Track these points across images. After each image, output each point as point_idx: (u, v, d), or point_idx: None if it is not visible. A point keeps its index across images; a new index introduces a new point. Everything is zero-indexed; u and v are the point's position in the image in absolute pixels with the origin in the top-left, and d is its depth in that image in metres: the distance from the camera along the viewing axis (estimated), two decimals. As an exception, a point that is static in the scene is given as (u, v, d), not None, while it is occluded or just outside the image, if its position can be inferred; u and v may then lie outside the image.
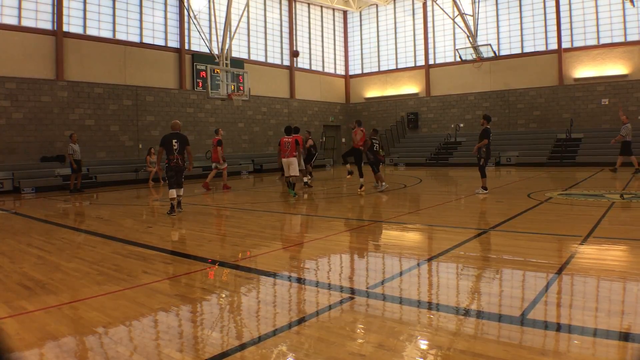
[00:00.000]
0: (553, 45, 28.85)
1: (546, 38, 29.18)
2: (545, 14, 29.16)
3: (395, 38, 34.77)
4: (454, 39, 32.04)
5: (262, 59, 30.50)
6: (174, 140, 10.88)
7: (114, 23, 22.98)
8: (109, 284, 5.39)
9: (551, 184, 16.57)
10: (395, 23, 34.73)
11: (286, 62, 32.19)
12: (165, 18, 25.19)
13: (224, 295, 5.05)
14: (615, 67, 27.05)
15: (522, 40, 30.05)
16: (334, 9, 35.74)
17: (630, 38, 26.62)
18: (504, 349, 3.42)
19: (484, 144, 13.18)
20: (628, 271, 5.63)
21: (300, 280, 5.60)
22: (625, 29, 26.76)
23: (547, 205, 11.09)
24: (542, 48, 29.35)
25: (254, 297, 5.03)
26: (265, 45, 30.86)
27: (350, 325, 4.04)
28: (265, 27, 30.92)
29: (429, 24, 33.25)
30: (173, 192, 11.05)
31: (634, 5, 25.03)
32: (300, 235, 8.62)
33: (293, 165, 14.28)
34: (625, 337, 3.67)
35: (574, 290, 4.98)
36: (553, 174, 20.07)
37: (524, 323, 3.93)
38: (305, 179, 16.94)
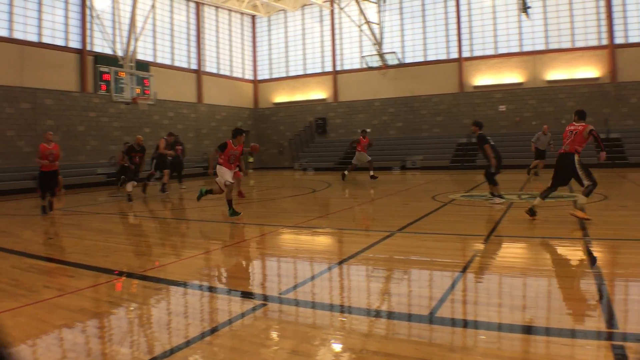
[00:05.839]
0: (454, 54, 30.15)
1: (448, 47, 30.44)
2: (447, 24, 30.43)
3: (304, 44, 35.03)
4: (361, 46, 32.68)
5: (168, 62, 29.74)
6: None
7: (10, 21, 21.58)
8: (7, 300, 4.98)
9: (454, 186, 17.21)
10: (303, 29, 34.98)
11: (194, 66, 31.59)
12: (67, 17, 23.95)
13: (132, 308, 4.81)
14: (511, 76, 28.72)
15: (425, 49, 31.17)
16: (242, 14, 35.48)
17: (525, 48, 28.42)
18: (414, 347, 3.47)
19: (489, 152, 11.51)
20: (528, 267, 5.92)
21: (211, 289, 5.45)
22: (520, 39, 28.53)
23: (451, 207, 11.48)
24: (444, 56, 30.58)
25: (164, 308, 4.83)
26: (172, 48, 30.13)
27: (263, 332, 3.97)
28: (172, 30, 30.17)
29: (337, 31, 33.77)
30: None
31: (528, 17, 26.61)
32: (210, 242, 8.43)
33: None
34: (527, 330, 3.84)
35: (478, 287, 5.16)
36: (455, 177, 20.87)
37: (433, 321, 4.02)
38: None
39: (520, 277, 5.43)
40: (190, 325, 4.23)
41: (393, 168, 27.88)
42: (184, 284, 5.51)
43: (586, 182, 8.37)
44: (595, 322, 3.95)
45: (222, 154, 10.85)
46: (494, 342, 3.61)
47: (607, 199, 11.65)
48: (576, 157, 8.43)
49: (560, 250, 6.93)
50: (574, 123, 8.73)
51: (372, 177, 18.79)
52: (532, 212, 8.83)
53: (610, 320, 3.92)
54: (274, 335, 3.94)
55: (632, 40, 26.48)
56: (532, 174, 18.56)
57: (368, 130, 23.21)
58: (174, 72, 29.90)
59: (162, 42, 29.47)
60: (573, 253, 6.68)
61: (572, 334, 3.72)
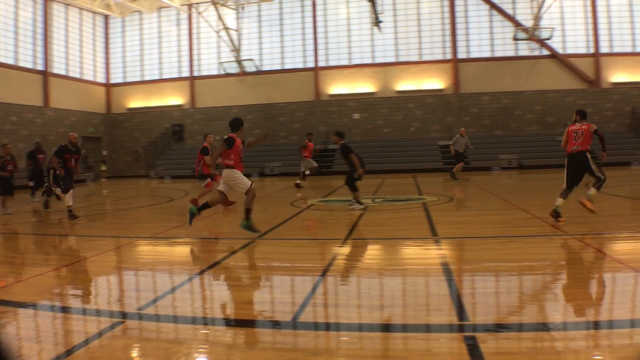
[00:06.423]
0: (311, 63, 31.01)
1: (304, 56, 31.24)
2: (304, 33, 31.24)
3: (160, 48, 34.03)
4: (219, 52, 32.42)
5: (11, 62, 27.20)
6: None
7: None
8: None
9: (312, 192, 17.59)
10: (160, 32, 33.98)
11: (40, 67, 29.28)
12: None
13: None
14: (364, 85, 30.17)
15: (283, 57, 31.68)
16: (94, 13, 33.60)
17: (377, 60, 30.15)
18: (279, 354, 3.49)
19: (355, 161, 11.33)
20: (383, 268, 6.22)
21: (64, 309, 5.02)
22: (373, 51, 30.08)
23: (309, 212, 11.75)
24: (301, 65, 31.32)
25: (12, 333, 4.40)
26: (16, 46, 27.62)
27: (122, 351, 3.76)
28: (17, 26, 27.63)
29: (195, 36, 33.22)
30: None
31: (380, 31, 28.07)
32: (62, 258, 7.88)
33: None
34: (386, 328, 4.02)
35: (338, 289, 5.31)
36: (313, 183, 21.34)
37: (296, 326, 4.06)
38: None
39: (377, 277, 5.68)
40: (43, 350, 3.90)
41: (252, 175, 27.92)
42: (33, 305, 5.07)
43: (600, 176, 8.48)
44: (447, 315, 4.22)
45: (230, 152, 8.61)
46: (355, 343, 3.74)
47: (453, 200, 12.54)
48: (588, 155, 8.53)
49: (413, 249, 7.34)
50: (575, 123, 8.76)
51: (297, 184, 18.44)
52: (556, 213, 8.50)
53: (461, 313, 4.22)
54: (134, 353, 3.76)
55: (473, 55, 29.10)
56: (457, 177, 19.07)
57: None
58: (18, 72, 27.48)
59: (5, 39, 26.90)
60: (424, 252, 7.10)
61: (427, 328, 3.96)
